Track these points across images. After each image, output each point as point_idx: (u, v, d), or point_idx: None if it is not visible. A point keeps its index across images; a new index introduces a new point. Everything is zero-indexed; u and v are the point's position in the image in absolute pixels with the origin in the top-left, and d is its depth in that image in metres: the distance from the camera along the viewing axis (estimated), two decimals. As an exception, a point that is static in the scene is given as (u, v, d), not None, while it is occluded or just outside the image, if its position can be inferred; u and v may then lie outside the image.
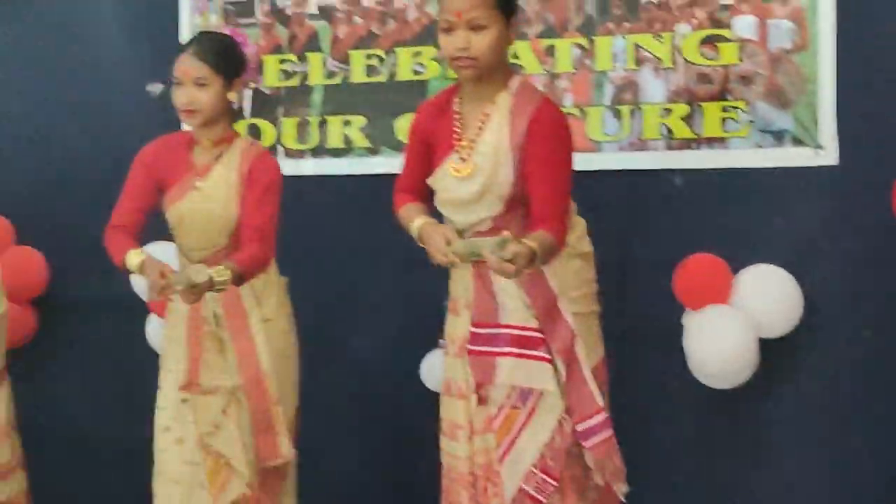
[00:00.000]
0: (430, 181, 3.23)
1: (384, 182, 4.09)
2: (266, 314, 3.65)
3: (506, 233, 2.85)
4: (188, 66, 3.56)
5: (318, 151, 4.46)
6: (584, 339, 3.22)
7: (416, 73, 4.34)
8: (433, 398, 3.82)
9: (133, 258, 3.46)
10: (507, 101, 3.09)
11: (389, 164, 4.22)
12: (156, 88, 4.64)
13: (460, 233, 3.20)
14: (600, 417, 3.19)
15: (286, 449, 3.61)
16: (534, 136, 3.04)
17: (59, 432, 4.86)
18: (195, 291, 3.25)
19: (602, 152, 3.91)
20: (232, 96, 3.58)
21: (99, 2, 4.88)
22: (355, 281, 4.42)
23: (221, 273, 3.29)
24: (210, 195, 3.59)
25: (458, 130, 3.14)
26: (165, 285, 3.30)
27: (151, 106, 4.62)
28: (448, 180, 3.17)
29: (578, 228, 3.31)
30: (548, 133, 3.07)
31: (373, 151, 4.40)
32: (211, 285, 3.28)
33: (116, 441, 4.58)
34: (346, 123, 4.42)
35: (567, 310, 3.19)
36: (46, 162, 4.93)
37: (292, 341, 3.73)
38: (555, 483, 3.20)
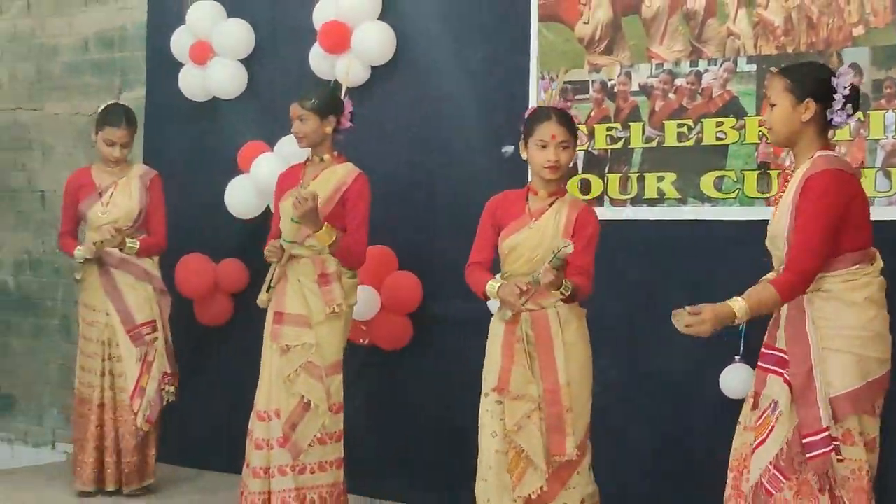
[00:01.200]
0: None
1: (690, 226, 4.54)
2: (567, 338, 3.99)
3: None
4: (556, 131, 3.95)
5: (636, 201, 4.76)
6: (838, 371, 3.44)
7: (719, 139, 4.58)
8: (730, 406, 4.21)
9: (492, 286, 4.00)
10: (805, 167, 3.48)
11: (695, 212, 4.61)
12: (508, 149, 4.85)
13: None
14: (822, 436, 3.41)
15: (571, 448, 3.96)
16: (804, 194, 3.42)
17: (423, 416, 5.33)
18: (558, 268, 3.67)
19: (875, 206, 4.03)
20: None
21: (464, 81, 5.26)
22: (665, 305, 4.54)
23: (567, 283, 3.79)
24: (540, 233, 3.99)
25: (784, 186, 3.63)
26: (527, 290, 3.77)
27: (503, 163, 4.92)
28: (771, 223, 3.65)
29: (860, 280, 3.50)
30: (813, 195, 3.41)
31: (681, 202, 4.66)
32: (560, 282, 3.73)
33: (462, 427, 4.69)
34: (660, 179, 4.71)
35: (815, 340, 3.46)
36: (422, 204, 5.34)
37: (587, 359, 4.05)
38: (784, 480, 3.47)
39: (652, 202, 4.73)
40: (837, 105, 3.52)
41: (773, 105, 3.58)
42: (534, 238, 4.01)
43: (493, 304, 4.73)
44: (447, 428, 5.23)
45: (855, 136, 4.33)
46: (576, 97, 4.94)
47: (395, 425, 5.39)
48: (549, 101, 4.91)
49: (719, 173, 4.62)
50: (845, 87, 3.52)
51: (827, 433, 3.43)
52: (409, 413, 5.39)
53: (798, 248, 3.46)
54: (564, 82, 4.94)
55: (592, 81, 4.90)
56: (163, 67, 6.08)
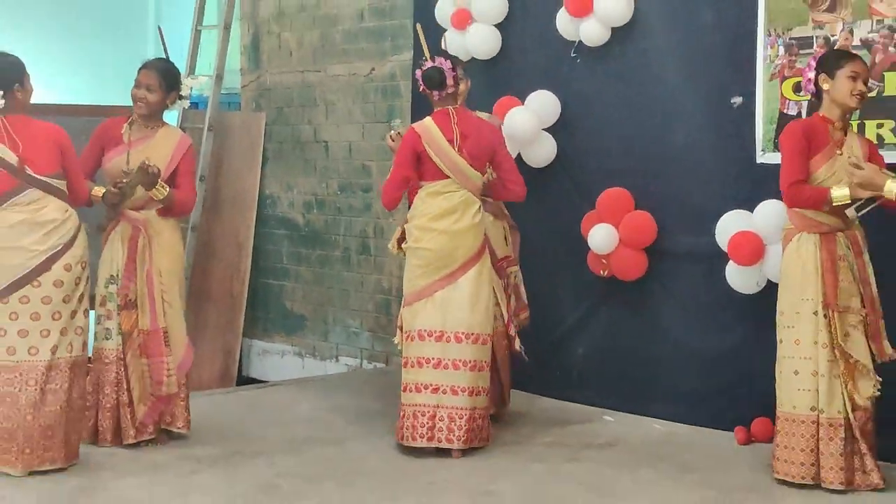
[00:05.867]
0: None
1: None
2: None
3: None
4: (864, 69, 4.17)
5: (856, 145, 4.51)
6: None
7: None
8: None
9: (838, 191, 4.08)
10: None
11: None
12: (737, 100, 5.03)
13: None
14: None
15: (889, 350, 4.22)
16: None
17: (659, 342, 5.47)
18: None
19: None
20: None
21: (694, 40, 5.19)
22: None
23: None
24: (843, 160, 4.15)
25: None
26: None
27: (728, 112, 5.06)
28: None
29: None
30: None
31: None
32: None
33: (726, 351, 5.13)
34: (879, 125, 4.65)
35: None
36: (655, 149, 5.39)
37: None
38: None
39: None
40: None
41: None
42: (843, 166, 4.16)
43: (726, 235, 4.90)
44: (682, 347, 5.42)
45: None
46: (800, 52, 4.92)
47: (633, 345, 5.59)
48: (773, 57, 5.00)
49: (937, 120, 4.57)
50: None
51: None
52: (646, 334, 5.57)
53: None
54: (789, 39, 4.93)
55: (816, 37, 4.87)
56: (428, 32, 5.87)
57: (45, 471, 4.42)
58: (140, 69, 4.87)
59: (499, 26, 6.01)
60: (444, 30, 6.06)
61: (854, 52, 4.44)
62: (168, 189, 4.76)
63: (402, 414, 4.81)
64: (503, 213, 5.24)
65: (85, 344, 4.56)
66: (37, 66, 4.59)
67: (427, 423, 4.73)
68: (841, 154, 4.22)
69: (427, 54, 4.98)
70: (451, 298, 4.73)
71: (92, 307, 4.76)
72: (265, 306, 7.73)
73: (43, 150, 4.39)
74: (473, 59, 5.98)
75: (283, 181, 7.60)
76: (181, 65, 6.88)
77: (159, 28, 5.87)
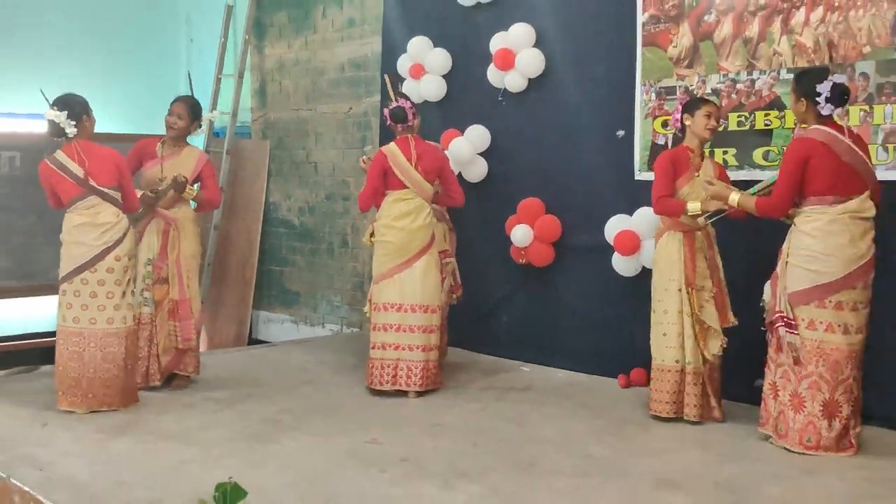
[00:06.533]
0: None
1: (745, 185, 4.27)
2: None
3: None
4: (715, 109, 4.12)
5: (707, 167, 4.60)
6: (792, 277, 3.62)
7: (766, 125, 4.50)
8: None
9: (692, 205, 4.05)
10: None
11: (748, 175, 4.41)
12: (620, 133, 4.98)
13: None
14: (776, 315, 3.71)
15: (732, 319, 4.16)
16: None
17: (563, 312, 5.41)
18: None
19: (878, 170, 3.89)
20: None
21: (590, 88, 5.10)
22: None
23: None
24: (701, 181, 4.08)
25: None
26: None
27: (613, 142, 5.00)
28: None
29: (811, 216, 3.62)
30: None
31: (739, 168, 4.55)
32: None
33: (612, 318, 5.05)
34: (725, 152, 4.62)
35: (784, 256, 3.70)
36: (561, 169, 5.29)
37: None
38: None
39: (719, 169, 4.58)
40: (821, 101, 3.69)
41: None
42: (700, 185, 4.13)
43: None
44: (579, 316, 5.39)
45: (863, 123, 4.24)
46: (667, 97, 4.89)
47: (543, 314, 5.52)
48: (647, 102, 4.95)
49: (766, 149, 4.55)
50: (826, 90, 3.67)
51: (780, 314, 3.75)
52: (553, 306, 5.51)
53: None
54: (659, 87, 4.91)
55: (679, 87, 4.85)
56: (392, 81, 5.41)
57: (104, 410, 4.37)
58: (173, 101, 4.82)
59: (445, 77, 5.92)
60: (404, 79, 5.96)
61: (709, 98, 4.45)
62: (196, 190, 4.75)
63: (371, 365, 4.75)
64: (444, 217, 5.15)
65: (135, 316, 4.52)
66: (92, 103, 4.51)
67: (391, 372, 4.68)
68: (699, 175, 4.19)
69: (393, 97, 4.87)
70: (407, 279, 4.67)
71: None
72: (269, 286, 7.53)
73: (104, 168, 4.34)
74: (426, 101, 5.90)
75: (283, 192, 7.39)
76: (206, 103, 6.72)
77: (188, 73, 5.48)
